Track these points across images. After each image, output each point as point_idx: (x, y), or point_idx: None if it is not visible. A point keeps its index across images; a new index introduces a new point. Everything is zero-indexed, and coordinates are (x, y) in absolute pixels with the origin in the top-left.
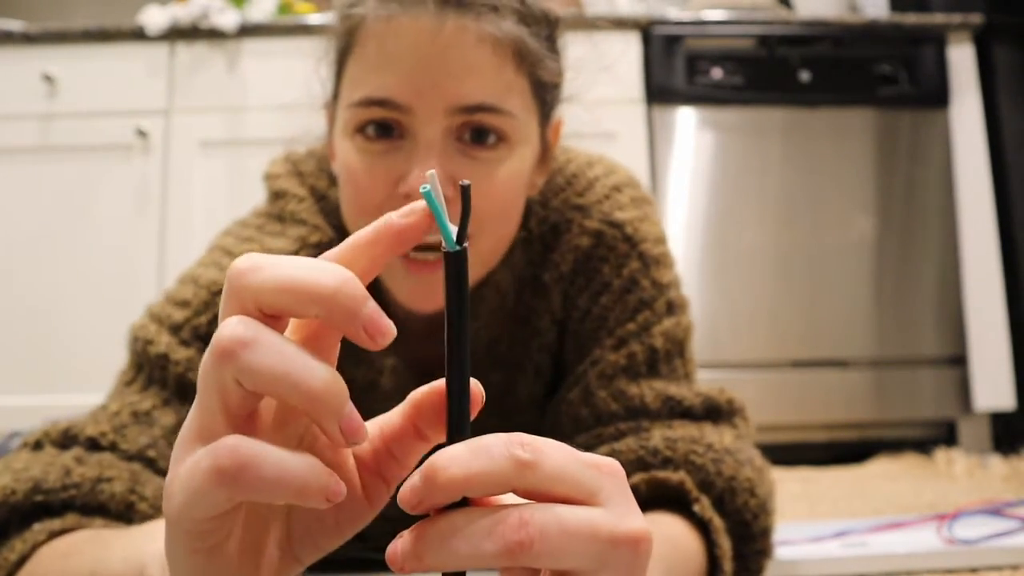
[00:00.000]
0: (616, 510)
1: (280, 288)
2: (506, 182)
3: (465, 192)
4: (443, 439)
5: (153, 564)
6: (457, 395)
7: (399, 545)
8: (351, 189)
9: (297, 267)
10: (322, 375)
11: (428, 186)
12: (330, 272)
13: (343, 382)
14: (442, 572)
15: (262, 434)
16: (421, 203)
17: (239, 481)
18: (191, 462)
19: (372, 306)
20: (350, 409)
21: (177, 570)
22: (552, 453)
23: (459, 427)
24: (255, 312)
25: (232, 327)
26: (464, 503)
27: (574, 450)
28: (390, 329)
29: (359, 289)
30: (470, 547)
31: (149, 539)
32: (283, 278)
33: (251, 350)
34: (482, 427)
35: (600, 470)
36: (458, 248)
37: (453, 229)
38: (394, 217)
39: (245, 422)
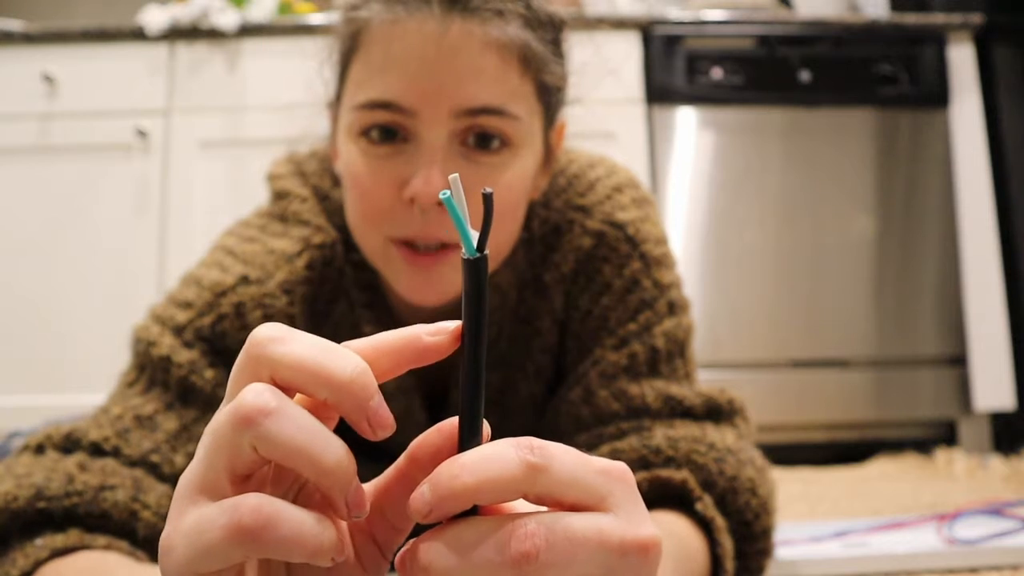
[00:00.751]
0: (626, 516)
1: (298, 367)
2: (510, 186)
3: (488, 200)
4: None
5: None
6: (470, 402)
7: (407, 554)
8: (356, 194)
9: (318, 349)
10: (336, 452)
11: (449, 192)
12: (348, 361)
13: (353, 457)
14: None
15: (263, 489)
16: (451, 324)
17: (258, 539)
18: (202, 517)
19: (379, 401)
20: (356, 484)
21: None
22: (562, 457)
23: (472, 431)
24: (268, 382)
25: (257, 393)
26: (474, 510)
27: (584, 455)
28: (391, 423)
29: (371, 383)
30: (477, 559)
31: None
32: (303, 358)
33: (273, 420)
34: None
35: (610, 475)
36: (478, 255)
37: (474, 235)
38: (423, 335)
39: (246, 478)
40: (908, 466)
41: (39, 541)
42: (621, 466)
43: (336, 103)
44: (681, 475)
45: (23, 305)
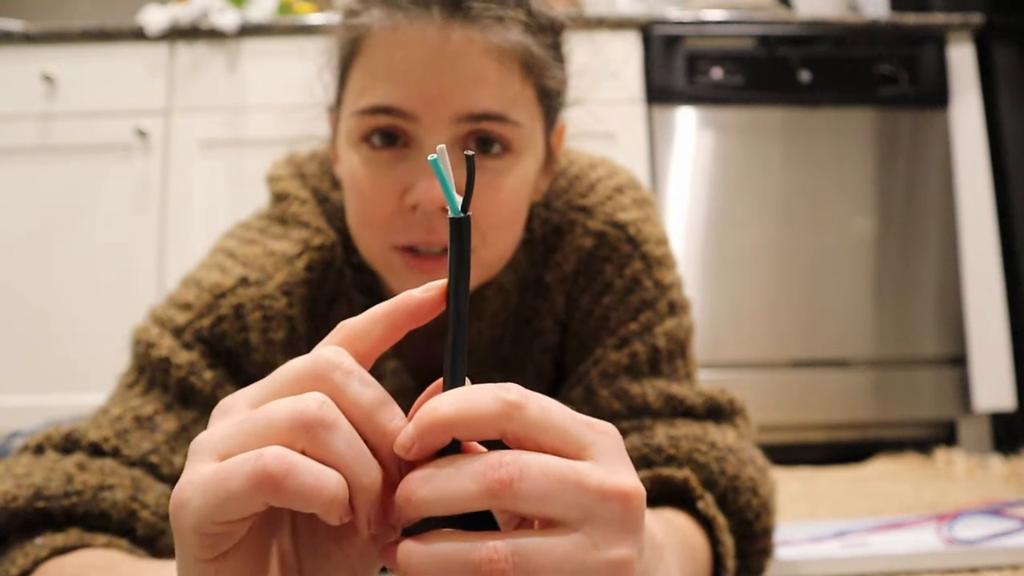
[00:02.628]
0: (606, 465)
1: (354, 404)
2: (511, 191)
3: (470, 161)
4: None
5: None
6: (453, 351)
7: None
8: (357, 200)
9: (376, 399)
10: (373, 472)
11: (435, 155)
12: (395, 420)
13: (382, 480)
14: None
15: None
16: (439, 282)
17: (281, 486)
18: (224, 466)
19: (402, 438)
20: (379, 503)
21: None
22: (541, 401)
23: (454, 380)
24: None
25: (321, 404)
26: (456, 448)
27: (567, 407)
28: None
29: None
30: (453, 487)
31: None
32: (360, 400)
33: (330, 432)
34: None
35: (593, 428)
36: (462, 215)
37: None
38: (414, 293)
39: None
40: (908, 466)
41: (39, 540)
42: (606, 423)
43: (336, 108)
44: (683, 474)
45: (23, 305)
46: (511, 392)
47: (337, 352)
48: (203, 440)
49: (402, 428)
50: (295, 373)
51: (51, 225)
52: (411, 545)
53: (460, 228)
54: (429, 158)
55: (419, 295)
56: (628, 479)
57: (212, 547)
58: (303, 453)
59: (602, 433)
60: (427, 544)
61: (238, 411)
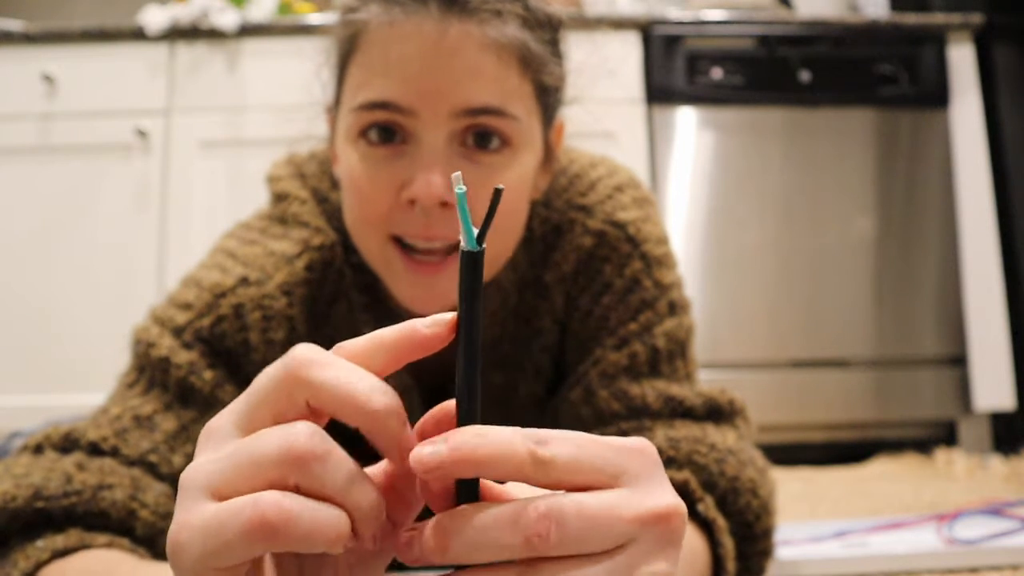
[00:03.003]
0: (643, 489)
1: (337, 397)
2: (510, 187)
3: (496, 195)
4: None
5: None
6: (467, 392)
7: (417, 538)
8: (355, 197)
9: (357, 380)
10: (373, 496)
11: (464, 188)
12: (383, 396)
13: (383, 500)
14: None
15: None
16: (447, 316)
17: (280, 534)
18: (220, 512)
19: (409, 434)
20: (384, 522)
21: None
22: (566, 442)
23: (470, 416)
24: (302, 404)
25: (309, 436)
26: (474, 496)
27: (593, 437)
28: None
29: (403, 416)
30: (490, 539)
31: None
32: (343, 388)
33: (321, 464)
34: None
35: (623, 451)
36: (477, 249)
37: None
38: (420, 327)
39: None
40: (908, 466)
41: (40, 543)
42: (640, 441)
43: (335, 107)
44: (682, 476)
45: (23, 305)
46: (542, 444)
47: (305, 348)
48: (193, 475)
49: (396, 403)
50: (271, 382)
51: (51, 225)
52: None
53: (474, 261)
54: (457, 191)
55: (426, 330)
56: (664, 499)
57: None
58: (297, 488)
59: (635, 454)
60: None
61: (225, 435)
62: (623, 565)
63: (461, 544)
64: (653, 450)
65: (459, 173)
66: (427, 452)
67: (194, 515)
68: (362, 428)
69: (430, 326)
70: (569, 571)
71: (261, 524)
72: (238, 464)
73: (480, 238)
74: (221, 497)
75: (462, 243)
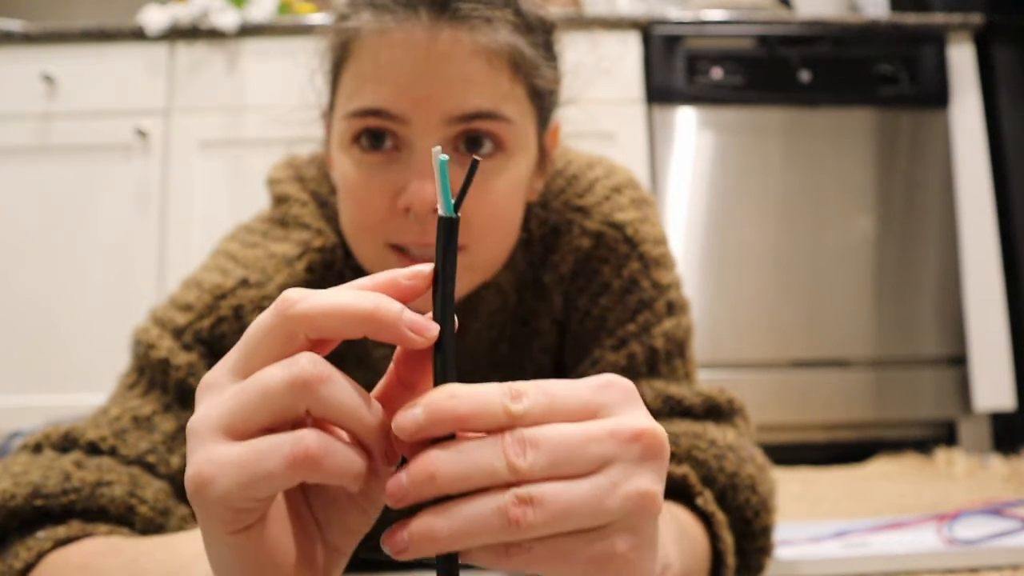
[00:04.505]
0: (618, 416)
1: (328, 313)
2: (505, 191)
3: (473, 165)
4: (429, 386)
5: (196, 565)
6: (442, 347)
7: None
8: (350, 204)
9: (338, 295)
10: (377, 412)
11: (446, 156)
12: (365, 296)
13: (386, 418)
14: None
15: None
16: (426, 267)
17: (320, 466)
18: (259, 446)
19: (409, 313)
20: (389, 440)
21: (221, 556)
22: (541, 392)
23: (444, 374)
24: (303, 339)
25: (314, 362)
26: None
27: (567, 382)
28: (432, 326)
29: (393, 304)
30: (474, 460)
31: (186, 544)
32: (330, 305)
33: (328, 386)
34: None
35: (599, 390)
36: (453, 215)
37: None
38: (401, 277)
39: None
40: (908, 466)
41: (41, 534)
42: (612, 376)
43: (329, 113)
44: (682, 470)
45: (23, 305)
46: (516, 398)
47: (288, 291)
48: (203, 419)
49: (382, 298)
50: (263, 329)
51: (51, 225)
52: (429, 518)
53: (450, 225)
54: (440, 158)
55: (405, 280)
56: (639, 420)
57: (241, 521)
58: (298, 411)
59: (610, 388)
60: (444, 514)
61: (223, 384)
62: (607, 483)
63: (448, 471)
64: (627, 383)
65: (439, 147)
66: (405, 417)
67: (219, 452)
68: (368, 332)
69: (409, 277)
70: (556, 489)
71: (305, 456)
72: (248, 400)
73: (457, 205)
74: (236, 434)
75: (440, 210)
